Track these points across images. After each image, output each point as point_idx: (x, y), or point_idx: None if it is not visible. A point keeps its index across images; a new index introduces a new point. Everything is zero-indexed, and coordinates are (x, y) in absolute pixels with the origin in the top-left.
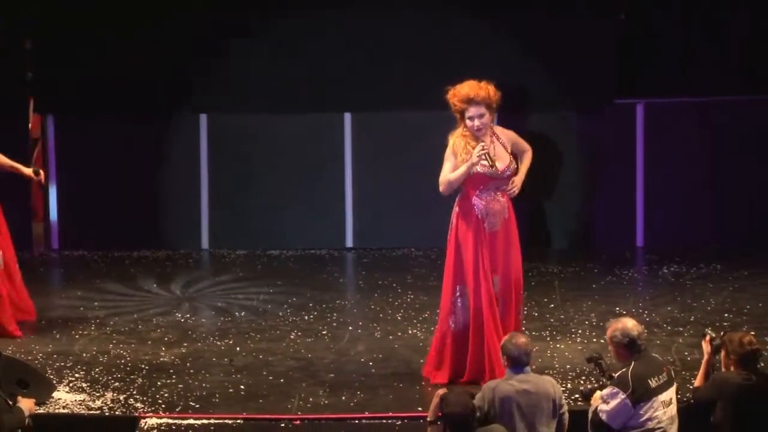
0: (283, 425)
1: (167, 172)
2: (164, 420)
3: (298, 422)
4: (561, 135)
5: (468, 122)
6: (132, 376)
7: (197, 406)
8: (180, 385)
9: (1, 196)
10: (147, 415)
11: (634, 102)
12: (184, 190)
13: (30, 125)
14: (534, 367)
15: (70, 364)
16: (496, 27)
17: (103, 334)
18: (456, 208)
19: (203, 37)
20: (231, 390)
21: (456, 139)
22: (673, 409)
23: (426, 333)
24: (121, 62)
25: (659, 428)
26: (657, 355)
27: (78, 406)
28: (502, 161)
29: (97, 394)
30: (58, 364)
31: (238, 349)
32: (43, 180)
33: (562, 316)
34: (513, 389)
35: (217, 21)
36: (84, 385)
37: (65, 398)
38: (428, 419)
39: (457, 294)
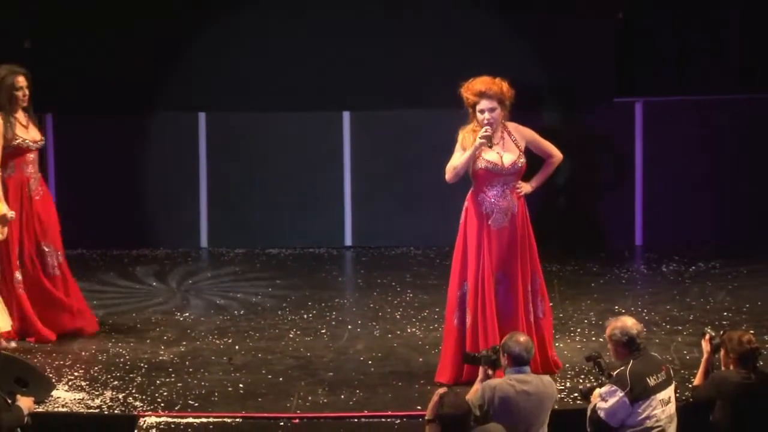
0: (282, 424)
1: (166, 171)
2: (163, 419)
3: (297, 421)
4: (560, 134)
5: (479, 115)
6: (131, 375)
7: (196, 404)
8: (179, 384)
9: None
10: (146, 413)
11: (633, 101)
12: (182, 188)
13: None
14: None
15: (69, 362)
16: (495, 26)
17: (102, 333)
18: (465, 204)
19: (202, 37)
20: (230, 389)
21: (466, 134)
22: (671, 407)
23: (425, 332)
24: (119, 61)
25: (658, 427)
26: (656, 354)
27: (77, 405)
28: (510, 157)
29: (96, 393)
30: (57, 362)
31: (237, 347)
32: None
33: (561, 315)
34: (513, 390)
35: (217, 20)
36: (83, 383)
37: (64, 397)
38: (426, 418)
39: (461, 291)
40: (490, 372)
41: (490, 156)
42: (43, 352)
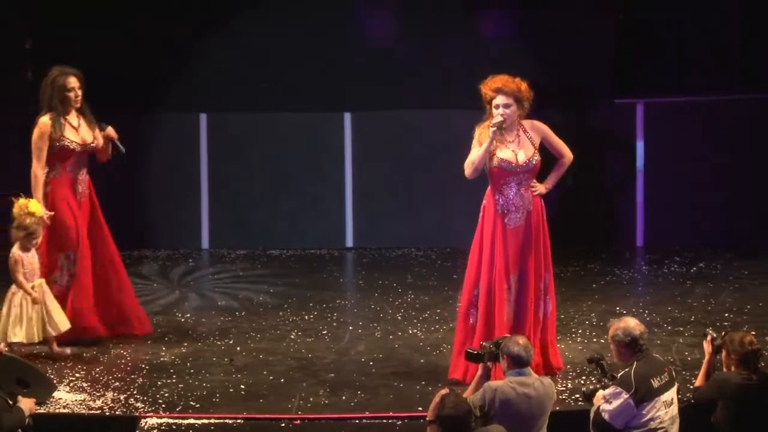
0: (283, 425)
1: (167, 172)
2: (164, 420)
3: (298, 422)
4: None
5: (494, 111)
6: (132, 376)
7: (197, 405)
8: (180, 385)
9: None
10: (147, 414)
11: (634, 102)
12: (184, 189)
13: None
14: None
15: (71, 363)
16: (495, 28)
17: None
18: (483, 203)
19: (204, 38)
20: (231, 390)
21: (482, 130)
22: (674, 409)
23: (426, 333)
24: (121, 62)
25: (661, 428)
26: (658, 356)
27: (78, 406)
28: (525, 154)
29: (98, 394)
30: (58, 363)
31: (238, 348)
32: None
33: (563, 316)
34: (514, 392)
35: (218, 21)
36: (84, 384)
37: (66, 398)
38: (428, 418)
39: (476, 289)
40: (490, 365)
41: (504, 154)
42: (44, 353)
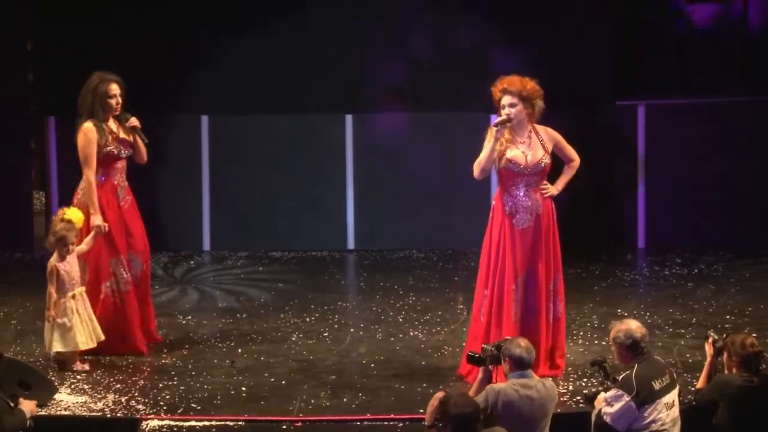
0: (284, 427)
1: (169, 174)
2: (166, 422)
3: (299, 424)
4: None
5: (502, 111)
6: (134, 378)
7: (199, 408)
8: (182, 387)
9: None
10: (149, 416)
11: (636, 104)
12: (185, 191)
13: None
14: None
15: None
16: (496, 30)
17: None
18: (492, 204)
19: (204, 38)
20: (233, 392)
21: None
22: (675, 411)
23: (427, 335)
24: (122, 64)
25: (662, 430)
26: (659, 358)
27: (80, 408)
28: (534, 156)
29: (99, 396)
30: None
31: (239, 350)
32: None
33: None
34: (517, 395)
35: (219, 22)
36: (86, 386)
37: (67, 400)
38: (426, 423)
39: (486, 288)
40: (491, 367)
41: (514, 154)
42: (45, 355)
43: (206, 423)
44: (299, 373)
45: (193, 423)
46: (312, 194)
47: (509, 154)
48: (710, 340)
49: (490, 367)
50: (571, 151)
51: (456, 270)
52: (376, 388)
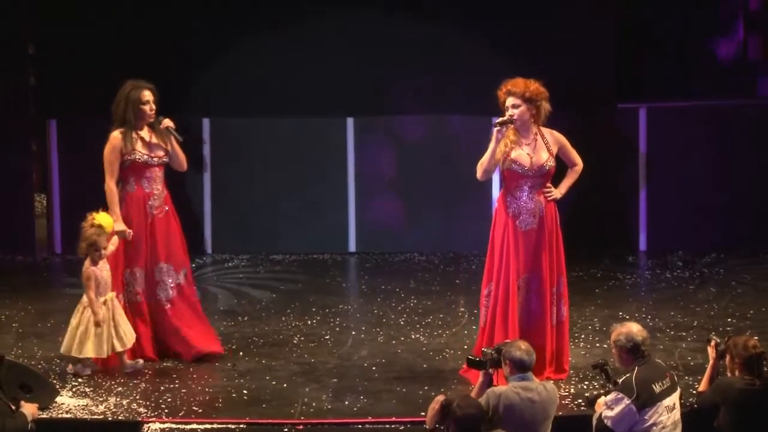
0: (286, 430)
1: (169, 177)
2: (167, 425)
3: (301, 427)
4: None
5: (506, 113)
6: (135, 381)
7: (200, 410)
8: (183, 390)
9: (2, 197)
10: (150, 419)
11: (637, 106)
12: (186, 194)
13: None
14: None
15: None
16: (497, 33)
17: None
18: (495, 206)
19: (205, 41)
20: (234, 395)
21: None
22: (676, 414)
23: (429, 338)
24: (123, 66)
25: None
26: (660, 361)
27: (81, 411)
28: (539, 158)
29: (101, 399)
30: (60, 368)
31: (241, 353)
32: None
33: None
34: (518, 397)
35: (220, 25)
36: (87, 389)
37: (68, 403)
38: (427, 427)
39: (487, 290)
40: (491, 371)
41: (518, 156)
42: (46, 358)
43: (208, 426)
44: (301, 376)
45: (194, 426)
46: (313, 196)
47: (513, 155)
48: (712, 343)
49: (490, 370)
50: (575, 156)
51: (457, 273)
52: (377, 391)
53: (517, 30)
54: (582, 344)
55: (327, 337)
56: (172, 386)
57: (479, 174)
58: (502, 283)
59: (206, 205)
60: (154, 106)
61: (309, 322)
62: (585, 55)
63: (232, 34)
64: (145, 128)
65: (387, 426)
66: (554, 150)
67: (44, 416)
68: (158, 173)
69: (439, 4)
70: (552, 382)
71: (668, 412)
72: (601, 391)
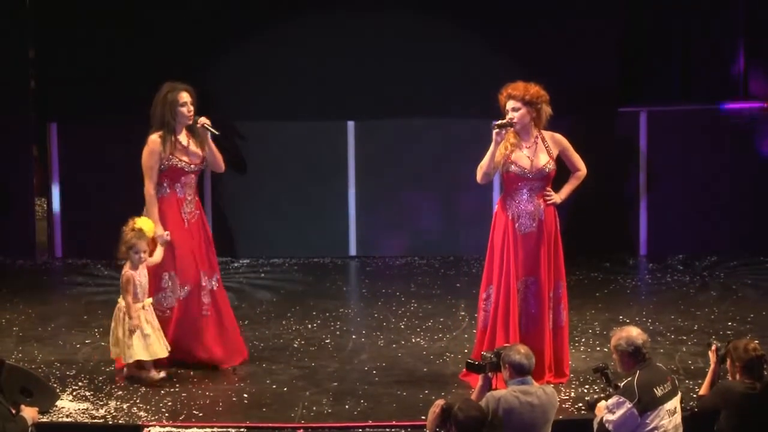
0: None
1: None
2: (168, 429)
3: (301, 431)
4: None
5: (507, 116)
6: (135, 385)
7: (200, 414)
8: (183, 394)
9: (2, 200)
10: (150, 423)
11: (638, 110)
12: None
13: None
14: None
15: (74, 372)
16: (498, 36)
17: (106, 343)
18: (495, 209)
19: (205, 45)
20: (234, 399)
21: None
22: (677, 417)
23: (429, 342)
24: (124, 70)
25: None
26: (661, 364)
27: (81, 415)
28: (539, 161)
29: (101, 403)
30: (61, 372)
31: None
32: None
33: None
34: (517, 401)
35: (220, 28)
36: (87, 393)
37: (69, 407)
38: (427, 431)
39: (486, 293)
40: (491, 375)
41: (518, 159)
42: (47, 362)
43: (208, 430)
44: (301, 380)
45: (194, 430)
46: (314, 200)
47: (513, 157)
48: (713, 347)
49: (489, 374)
50: (578, 161)
51: (458, 276)
52: (378, 394)
53: (518, 33)
54: (582, 348)
55: (327, 340)
56: (172, 390)
57: (479, 177)
58: (502, 287)
59: (207, 207)
60: (192, 108)
61: (309, 326)
62: (586, 58)
63: (231, 37)
64: (184, 133)
65: (387, 430)
66: (555, 153)
67: (45, 420)
68: (193, 180)
69: (440, 8)
70: (552, 385)
71: (669, 415)
72: (602, 395)
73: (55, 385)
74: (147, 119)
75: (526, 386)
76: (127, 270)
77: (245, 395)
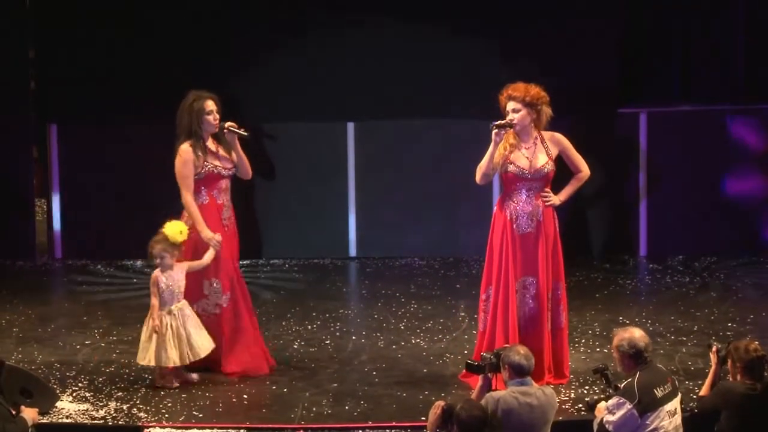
0: None
1: (171, 182)
2: (168, 430)
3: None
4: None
5: (507, 117)
6: (135, 386)
7: (201, 415)
8: (183, 395)
9: (3, 201)
10: (150, 424)
11: (638, 111)
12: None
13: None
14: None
15: (74, 373)
16: (497, 37)
17: (106, 344)
18: (494, 209)
19: (205, 48)
20: (234, 399)
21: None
22: (678, 418)
23: (429, 343)
24: (124, 71)
25: None
26: (661, 365)
27: (81, 416)
28: (538, 162)
29: (101, 404)
30: (61, 373)
31: None
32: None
33: None
34: (517, 402)
35: (220, 31)
36: (87, 394)
37: (69, 408)
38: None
39: (486, 294)
40: (490, 375)
41: (517, 159)
42: (47, 363)
43: (208, 431)
44: (301, 381)
45: (194, 431)
46: (314, 201)
47: (512, 158)
48: (714, 348)
49: (489, 375)
50: (580, 161)
51: (458, 277)
52: (378, 395)
53: (518, 33)
54: (582, 349)
55: (327, 341)
56: (172, 391)
57: (478, 177)
58: (501, 287)
59: None
60: (218, 116)
61: (309, 327)
62: (586, 58)
63: (231, 40)
64: (210, 139)
65: (387, 431)
66: (554, 153)
67: (45, 421)
68: (228, 184)
69: (440, 9)
70: (551, 386)
71: (670, 416)
72: (602, 396)
73: (55, 386)
74: (147, 119)
75: (525, 387)
76: (155, 271)
77: (245, 396)
